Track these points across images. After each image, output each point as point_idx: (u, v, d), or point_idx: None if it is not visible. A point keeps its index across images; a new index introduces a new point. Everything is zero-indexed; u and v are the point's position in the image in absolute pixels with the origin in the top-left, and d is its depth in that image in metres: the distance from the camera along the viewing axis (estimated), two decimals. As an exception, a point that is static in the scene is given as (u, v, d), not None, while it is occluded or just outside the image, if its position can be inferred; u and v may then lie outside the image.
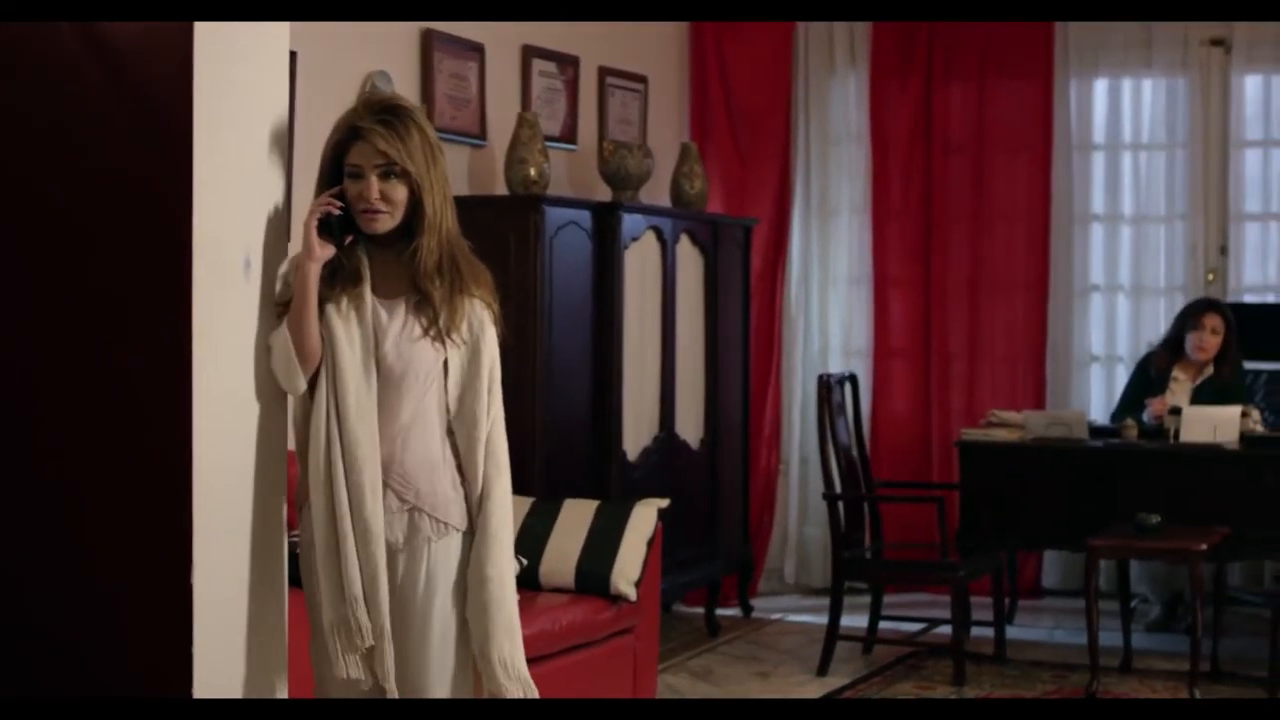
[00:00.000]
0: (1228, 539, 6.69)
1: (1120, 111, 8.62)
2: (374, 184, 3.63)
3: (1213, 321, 7.56)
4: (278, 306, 3.64)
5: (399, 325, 3.69)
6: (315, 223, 3.60)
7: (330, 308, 3.63)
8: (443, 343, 3.70)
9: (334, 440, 3.61)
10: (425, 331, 3.69)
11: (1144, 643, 7.25)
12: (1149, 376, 7.71)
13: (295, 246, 3.71)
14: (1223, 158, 8.46)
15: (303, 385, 3.62)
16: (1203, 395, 7.51)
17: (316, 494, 3.62)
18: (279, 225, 3.67)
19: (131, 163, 3.46)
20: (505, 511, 3.80)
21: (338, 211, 3.64)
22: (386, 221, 3.67)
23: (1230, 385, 7.54)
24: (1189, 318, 7.63)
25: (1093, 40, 8.55)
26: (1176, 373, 7.64)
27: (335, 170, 3.68)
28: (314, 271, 3.60)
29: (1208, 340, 7.54)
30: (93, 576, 3.45)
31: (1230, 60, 8.42)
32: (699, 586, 7.76)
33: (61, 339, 3.50)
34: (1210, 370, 7.59)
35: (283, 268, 3.67)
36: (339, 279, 3.66)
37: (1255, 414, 7.30)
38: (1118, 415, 7.69)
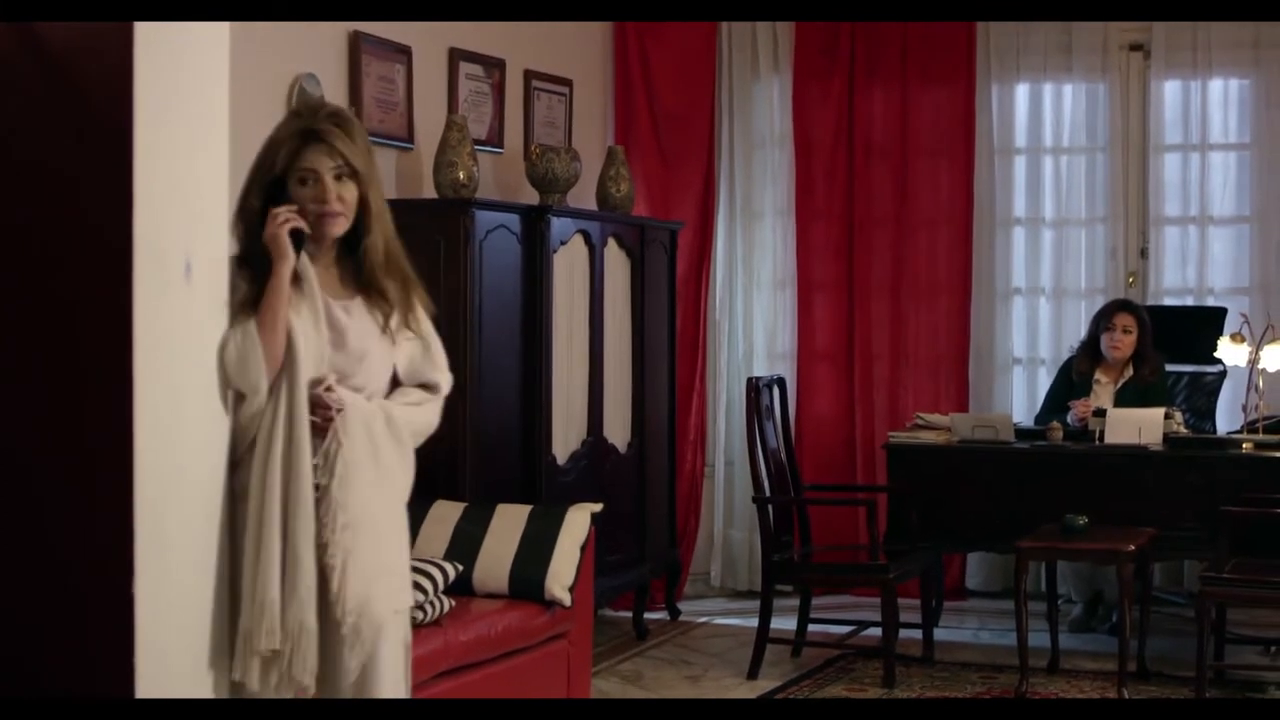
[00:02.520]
0: (1153, 539, 6.75)
1: (1041, 115, 8.69)
2: (331, 186, 3.71)
3: (1124, 321, 7.64)
4: (231, 308, 3.66)
5: (360, 323, 3.79)
6: (287, 231, 3.66)
7: (290, 315, 3.67)
8: (393, 340, 3.81)
9: (276, 442, 3.62)
10: (382, 329, 3.79)
11: (1069, 643, 7.28)
12: (1071, 381, 7.77)
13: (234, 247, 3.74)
14: (1142, 162, 8.55)
15: (264, 384, 3.62)
16: (1125, 397, 7.58)
17: (254, 495, 3.62)
18: (219, 228, 3.63)
19: (70, 166, 3.41)
20: None
21: (306, 228, 3.69)
22: (343, 223, 3.78)
23: (1152, 386, 7.61)
24: (1102, 319, 7.72)
25: (1013, 44, 8.61)
26: (1099, 375, 7.71)
27: (274, 177, 3.73)
28: (288, 275, 3.65)
29: (1120, 339, 7.62)
30: (35, 583, 3.40)
31: (1149, 65, 8.51)
32: (627, 590, 7.75)
33: (-2, 344, 3.45)
34: (1130, 372, 7.66)
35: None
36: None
37: (1178, 415, 7.37)
38: (1041, 419, 7.75)
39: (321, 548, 3.65)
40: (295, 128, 3.72)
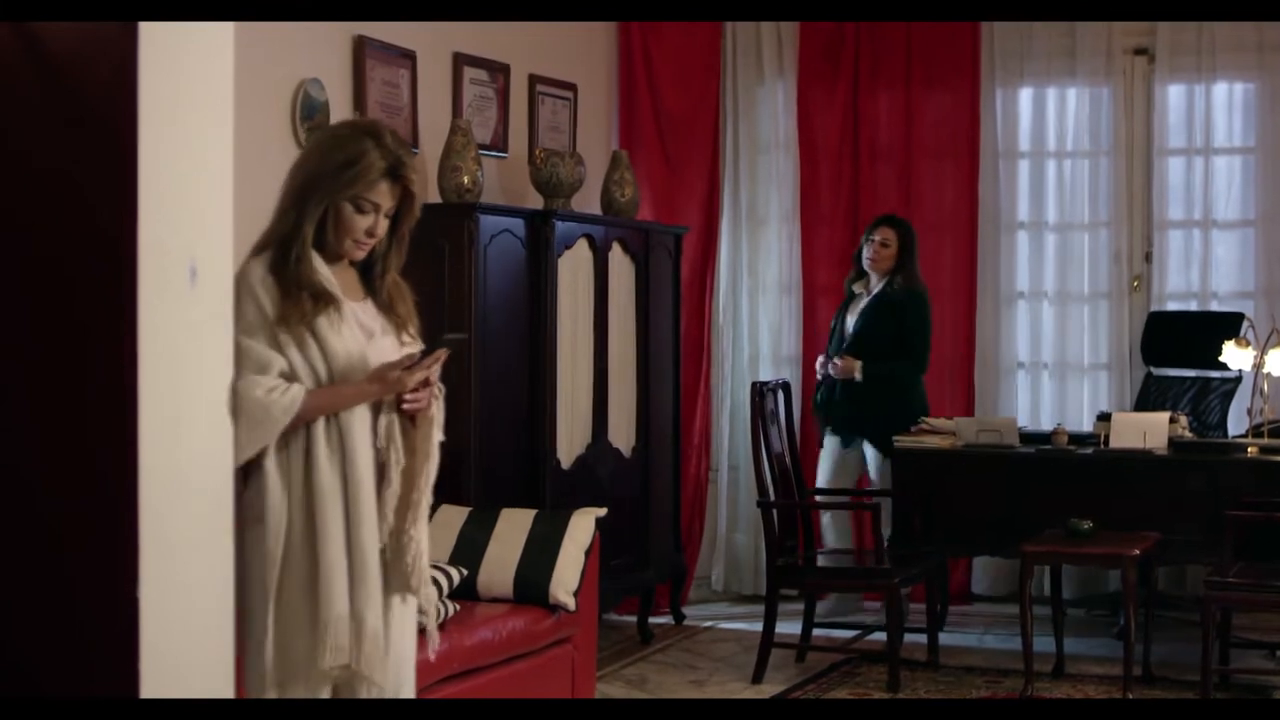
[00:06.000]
0: (1158, 543, 6.74)
1: (1045, 119, 8.67)
2: (382, 223, 3.83)
3: (883, 234, 7.88)
4: (246, 323, 3.73)
5: (379, 325, 3.89)
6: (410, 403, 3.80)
7: (322, 326, 3.75)
8: (400, 344, 3.90)
9: (320, 457, 3.72)
10: (396, 339, 3.92)
11: (1074, 647, 7.28)
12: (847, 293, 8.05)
13: (240, 253, 3.75)
14: (1146, 166, 8.54)
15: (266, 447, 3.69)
16: (869, 311, 7.82)
17: (298, 520, 3.70)
18: (224, 233, 3.62)
19: (74, 170, 3.39)
20: None
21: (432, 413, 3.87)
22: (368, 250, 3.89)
23: (897, 303, 7.79)
24: (866, 232, 7.95)
25: (1017, 48, 8.60)
26: (856, 288, 7.95)
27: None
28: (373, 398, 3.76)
29: (877, 251, 7.87)
30: (39, 588, 3.40)
31: (1153, 69, 8.50)
32: (631, 594, 7.74)
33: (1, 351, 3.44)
34: (883, 284, 7.82)
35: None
36: (313, 298, 3.75)
37: (1183, 420, 7.36)
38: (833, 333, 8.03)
39: (402, 534, 3.77)
40: (384, 161, 3.77)
